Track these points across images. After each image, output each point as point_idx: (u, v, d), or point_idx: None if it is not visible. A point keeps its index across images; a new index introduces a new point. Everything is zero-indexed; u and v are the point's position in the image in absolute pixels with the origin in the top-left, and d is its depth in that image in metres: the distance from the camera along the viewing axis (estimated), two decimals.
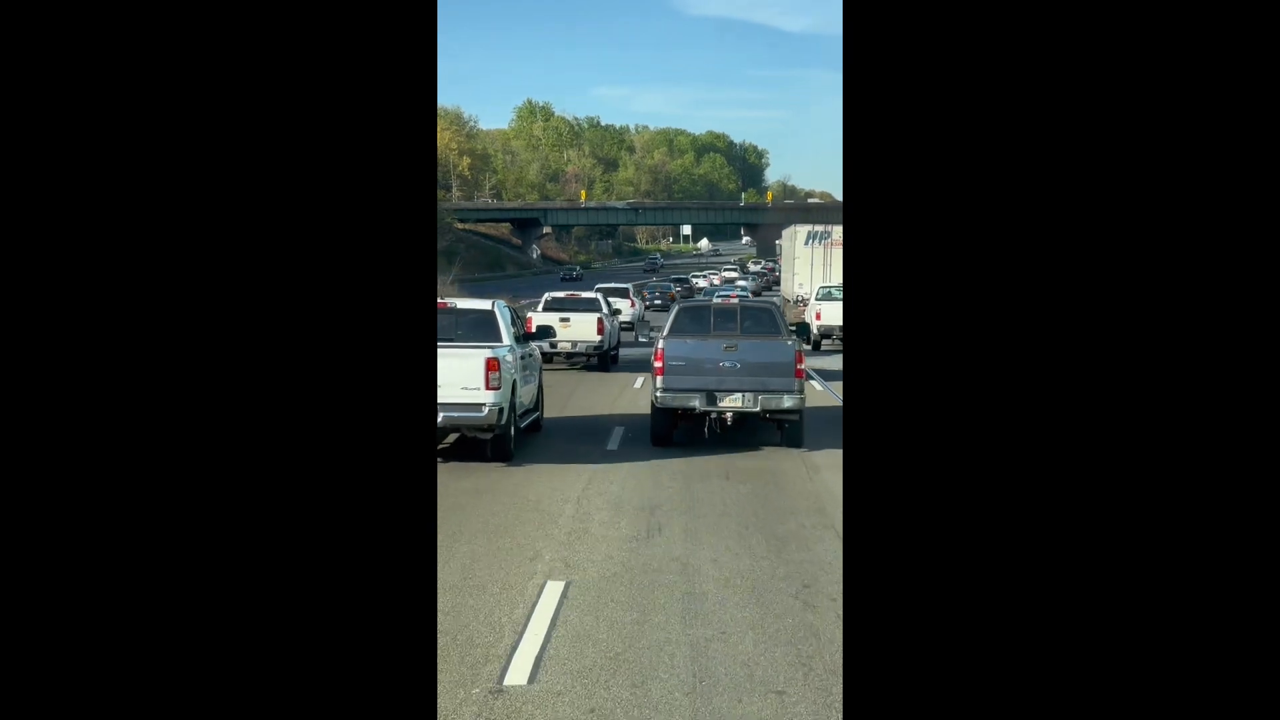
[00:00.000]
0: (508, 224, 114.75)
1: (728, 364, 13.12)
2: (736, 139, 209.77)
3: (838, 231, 39.22)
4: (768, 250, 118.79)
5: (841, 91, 3.03)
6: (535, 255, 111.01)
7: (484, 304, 13.51)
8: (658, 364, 13.24)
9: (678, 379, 13.12)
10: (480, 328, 12.76)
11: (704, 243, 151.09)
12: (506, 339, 12.72)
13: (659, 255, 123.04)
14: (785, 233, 49.17)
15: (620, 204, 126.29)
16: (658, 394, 13.20)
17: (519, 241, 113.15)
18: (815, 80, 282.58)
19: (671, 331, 13.79)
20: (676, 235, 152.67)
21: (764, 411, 13.16)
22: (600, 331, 23.51)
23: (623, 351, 26.56)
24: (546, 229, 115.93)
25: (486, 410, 11.38)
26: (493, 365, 11.41)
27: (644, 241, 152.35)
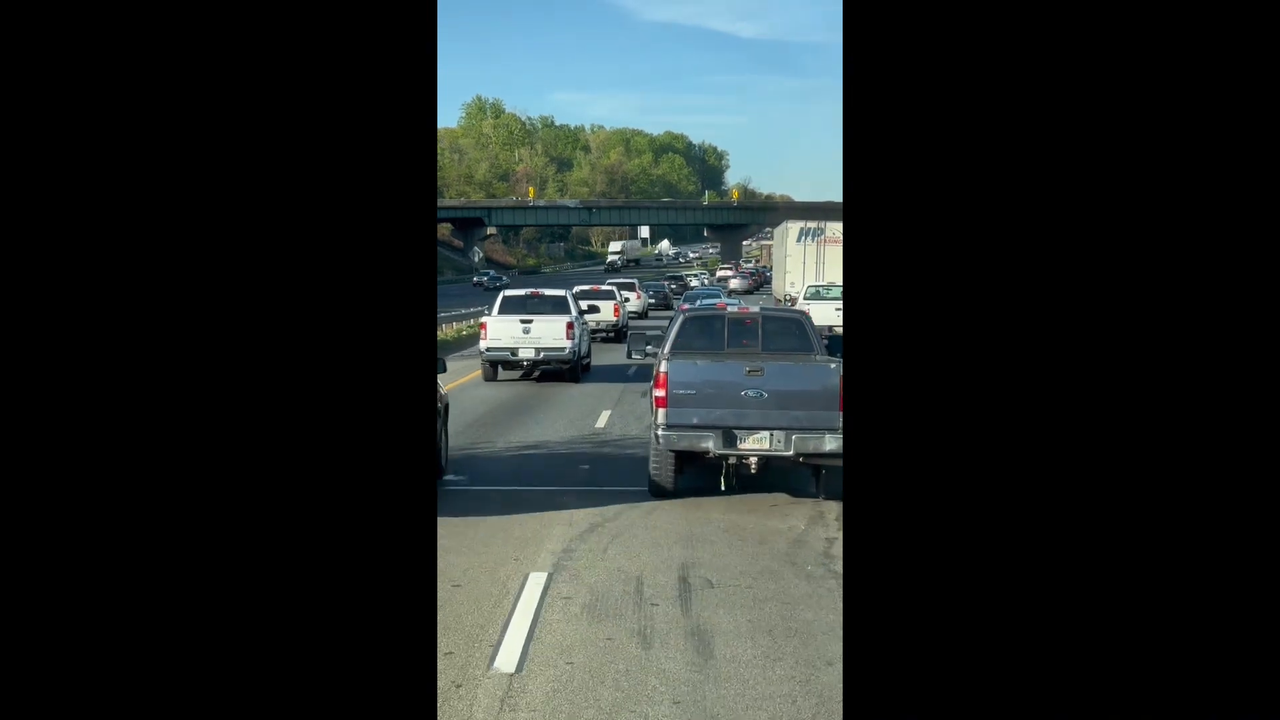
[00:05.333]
0: (448, 224, 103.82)
1: (751, 393, 10.06)
2: (695, 140, 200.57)
3: (831, 228, 39.05)
4: (734, 253, 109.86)
5: (840, 95, 3.17)
6: (478, 259, 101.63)
7: (560, 291, 24.13)
8: (659, 393, 10.16)
9: (686, 412, 10.03)
10: (558, 306, 22.70)
11: (664, 244, 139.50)
12: (574, 312, 22.76)
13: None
14: (776, 231, 49.17)
15: (573, 203, 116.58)
16: (659, 433, 10.18)
17: (460, 244, 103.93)
18: (772, 85, 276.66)
19: (675, 349, 10.78)
20: (633, 237, 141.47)
21: (798, 455, 10.16)
22: (616, 314, 33.79)
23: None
24: (491, 230, 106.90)
25: (568, 351, 21.58)
26: (570, 325, 21.76)
27: (599, 244, 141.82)
